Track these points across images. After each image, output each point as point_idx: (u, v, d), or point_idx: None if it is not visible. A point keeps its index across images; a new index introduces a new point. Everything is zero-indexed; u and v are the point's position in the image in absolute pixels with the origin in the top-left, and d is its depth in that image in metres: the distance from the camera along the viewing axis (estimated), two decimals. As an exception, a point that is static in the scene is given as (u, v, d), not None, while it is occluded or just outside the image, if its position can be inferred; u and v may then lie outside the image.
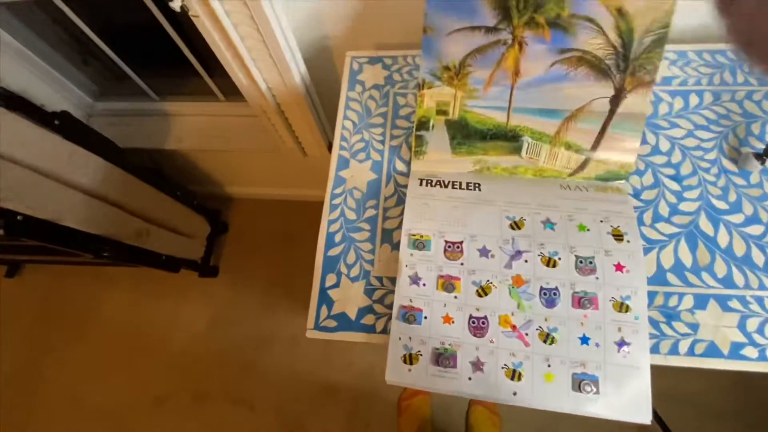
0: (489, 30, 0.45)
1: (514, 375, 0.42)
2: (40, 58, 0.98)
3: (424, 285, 0.46)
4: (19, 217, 0.73)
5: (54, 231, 0.81)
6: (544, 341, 0.43)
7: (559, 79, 0.46)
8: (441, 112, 0.51)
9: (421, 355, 0.44)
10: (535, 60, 0.46)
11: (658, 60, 0.43)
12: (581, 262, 0.44)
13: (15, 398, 1.33)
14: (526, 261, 0.45)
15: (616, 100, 0.46)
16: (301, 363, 1.25)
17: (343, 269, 0.50)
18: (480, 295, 0.45)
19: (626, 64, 0.44)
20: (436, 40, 0.47)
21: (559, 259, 0.45)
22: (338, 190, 0.55)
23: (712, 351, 0.42)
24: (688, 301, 0.44)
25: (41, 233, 0.79)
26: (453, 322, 0.44)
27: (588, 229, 0.46)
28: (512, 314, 0.44)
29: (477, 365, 0.43)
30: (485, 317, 0.44)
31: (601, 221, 0.46)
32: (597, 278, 0.43)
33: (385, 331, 0.47)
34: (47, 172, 0.79)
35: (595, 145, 0.49)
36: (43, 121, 0.82)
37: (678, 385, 1.02)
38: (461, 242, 0.47)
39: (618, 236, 0.45)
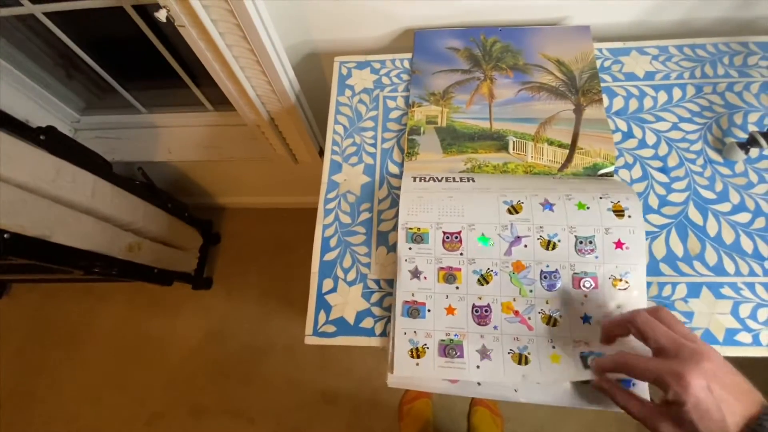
0: (465, 71, 0.60)
1: (521, 359, 0.42)
2: (24, 73, 0.97)
3: (425, 278, 0.46)
4: (6, 236, 0.72)
5: (43, 248, 0.80)
6: (547, 323, 0.43)
7: (527, 99, 0.57)
8: (430, 122, 0.57)
9: (427, 348, 0.44)
10: (505, 88, 0.58)
11: (598, 86, 0.56)
12: (581, 242, 0.44)
13: (8, 420, 1.30)
14: (525, 246, 0.45)
15: (578, 111, 0.55)
16: (300, 371, 1.24)
17: (340, 273, 0.50)
18: (481, 284, 0.45)
19: (576, 89, 0.56)
20: (423, 78, 0.60)
21: (559, 241, 0.44)
22: (332, 195, 0.55)
23: (708, 338, 0.43)
24: (681, 290, 0.45)
25: (30, 251, 0.78)
26: (456, 313, 0.44)
27: (588, 207, 0.45)
28: (514, 300, 0.44)
29: (483, 353, 0.43)
30: (488, 305, 0.44)
31: (601, 197, 0.45)
32: (597, 257, 0.43)
33: (385, 333, 0.46)
34: (34, 188, 0.78)
35: (575, 139, 0.53)
36: (28, 137, 0.81)
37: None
38: (459, 232, 0.46)
39: (619, 212, 0.44)
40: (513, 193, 0.47)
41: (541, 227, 0.45)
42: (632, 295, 0.42)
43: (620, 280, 0.43)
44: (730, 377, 0.30)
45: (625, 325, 0.36)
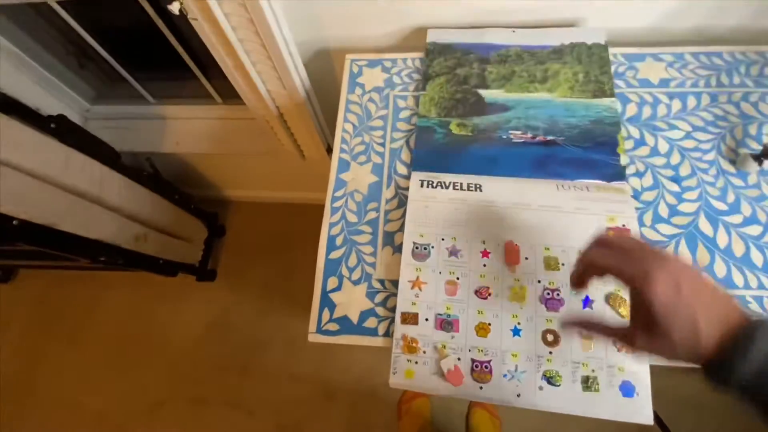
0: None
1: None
2: (36, 61, 0.98)
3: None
4: (15, 222, 0.73)
5: (50, 236, 0.81)
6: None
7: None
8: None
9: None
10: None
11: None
12: None
13: (10, 405, 1.31)
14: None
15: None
16: (300, 366, 1.24)
17: (345, 272, 0.50)
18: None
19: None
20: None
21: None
22: (339, 193, 0.55)
23: (714, 351, 0.42)
24: (689, 302, 0.44)
25: (38, 238, 0.78)
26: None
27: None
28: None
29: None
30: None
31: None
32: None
33: (388, 334, 0.46)
34: (43, 176, 0.78)
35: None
36: (39, 125, 0.81)
37: (678, 385, 1.02)
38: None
39: None
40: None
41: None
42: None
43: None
44: (702, 281, 0.28)
45: (594, 249, 0.33)
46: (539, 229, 0.47)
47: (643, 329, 0.29)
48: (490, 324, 0.44)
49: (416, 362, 0.44)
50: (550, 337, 0.43)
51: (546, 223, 0.47)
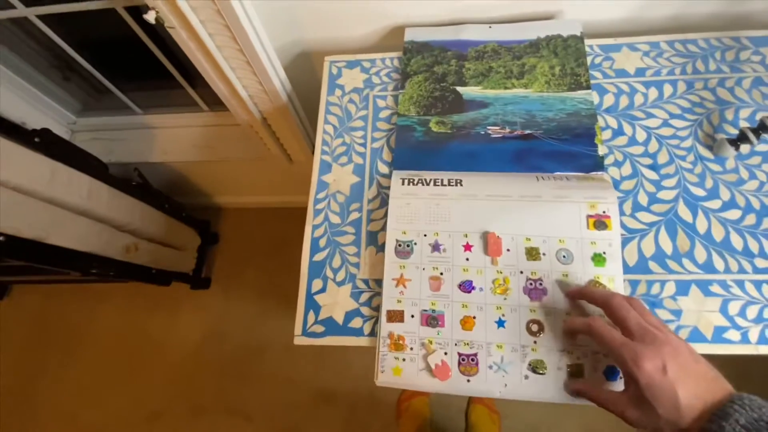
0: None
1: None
2: (19, 75, 0.97)
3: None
4: (1, 238, 0.73)
5: (39, 250, 0.80)
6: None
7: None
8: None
9: (412, 354, 0.44)
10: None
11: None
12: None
13: (9, 419, 1.31)
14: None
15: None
16: (297, 370, 1.24)
17: (329, 274, 0.50)
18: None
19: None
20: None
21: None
22: (321, 195, 0.55)
23: (696, 336, 0.43)
24: (670, 288, 0.45)
25: (26, 253, 0.78)
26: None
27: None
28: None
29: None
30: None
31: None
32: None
33: (373, 333, 0.46)
34: (29, 190, 0.78)
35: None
36: (23, 140, 0.81)
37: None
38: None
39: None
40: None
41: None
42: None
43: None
44: (692, 364, 0.31)
45: (600, 300, 0.38)
46: (520, 220, 0.47)
47: (632, 401, 0.33)
48: (474, 317, 0.44)
49: (403, 359, 0.44)
50: (534, 327, 0.43)
51: (526, 213, 0.47)
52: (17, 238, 0.75)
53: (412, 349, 0.44)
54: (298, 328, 0.48)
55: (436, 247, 0.47)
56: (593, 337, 0.36)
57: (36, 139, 0.83)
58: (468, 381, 0.43)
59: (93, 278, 1.00)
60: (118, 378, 1.32)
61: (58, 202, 0.84)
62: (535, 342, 0.43)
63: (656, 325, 0.34)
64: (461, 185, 0.50)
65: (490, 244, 0.46)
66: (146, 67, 0.93)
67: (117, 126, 1.12)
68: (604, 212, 0.46)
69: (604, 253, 0.44)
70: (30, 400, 1.33)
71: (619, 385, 0.40)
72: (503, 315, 0.44)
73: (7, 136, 0.78)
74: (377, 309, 0.47)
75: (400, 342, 0.45)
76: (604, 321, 0.37)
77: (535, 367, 0.42)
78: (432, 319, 0.45)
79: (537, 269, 0.45)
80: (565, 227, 0.46)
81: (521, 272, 0.45)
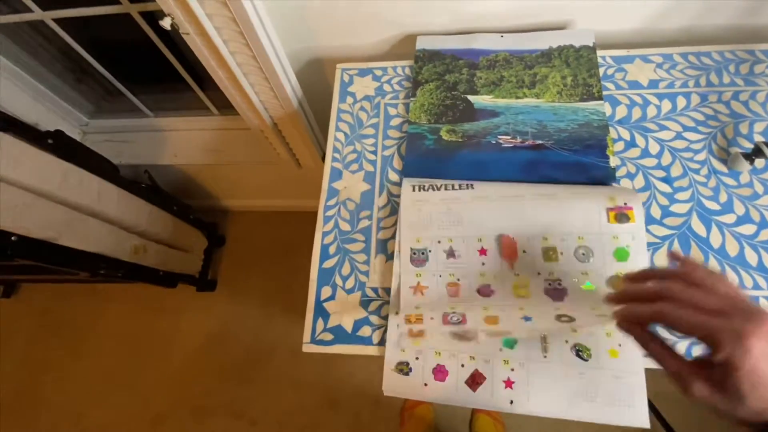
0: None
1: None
2: (33, 77, 0.99)
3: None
4: (13, 238, 0.73)
5: (50, 250, 0.81)
6: (543, 342, 0.42)
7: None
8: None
9: (418, 365, 0.44)
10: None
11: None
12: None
13: (14, 419, 1.32)
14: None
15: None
16: (302, 375, 1.24)
17: (339, 281, 0.50)
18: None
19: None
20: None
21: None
22: (331, 202, 0.55)
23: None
24: (683, 303, 0.44)
25: (37, 253, 0.79)
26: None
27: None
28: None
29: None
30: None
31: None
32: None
33: (382, 342, 0.46)
34: (42, 191, 0.79)
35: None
36: (36, 141, 0.82)
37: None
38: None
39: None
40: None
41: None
42: None
43: None
44: None
45: (680, 273, 0.30)
46: (534, 218, 0.45)
47: (709, 379, 0.27)
48: (498, 316, 0.43)
49: (404, 375, 0.44)
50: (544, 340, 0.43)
51: (541, 212, 0.45)
52: (28, 238, 0.76)
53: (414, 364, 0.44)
54: (306, 336, 0.48)
55: (450, 253, 0.47)
56: (670, 322, 0.28)
57: (49, 141, 0.84)
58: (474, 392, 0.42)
59: (101, 279, 1.01)
60: (123, 378, 1.32)
61: (69, 203, 0.85)
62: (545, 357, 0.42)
63: (743, 296, 0.28)
64: (472, 188, 0.49)
65: (504, 247, 0.45)
66: (158, 70, 0.94)
67: (128, 128, 1.13)
68: (625, 203, 0.44)
69: (628, 246, 0.43)
70: (35, 398, 1.34)
71: None
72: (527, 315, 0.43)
73: (20, 137, 0.79)
74: (386, 318, 0.47)
75: (418, 335, 0.44)
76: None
77: (579, 350, 0.41)
78: (454, 318, 0.44)
79: (554, 270, 0.44)
80: (583, 223, 0.44)
81: (539, 273, 0.44)
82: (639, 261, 0.43)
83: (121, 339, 1.38)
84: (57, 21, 0.82)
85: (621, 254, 0.43)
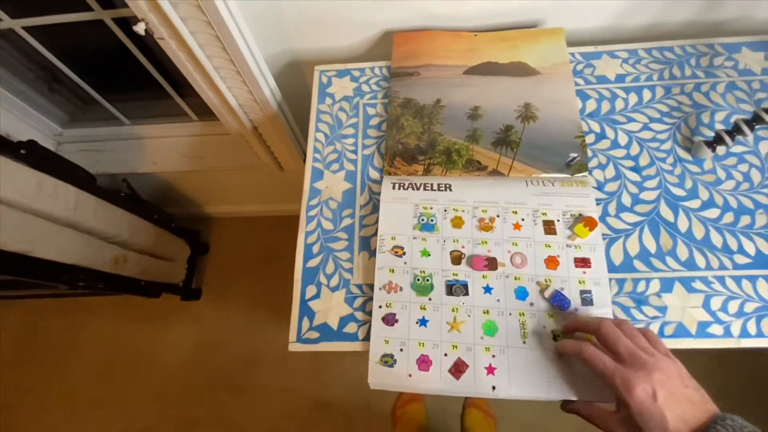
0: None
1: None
2: (4, 87, 0.96)
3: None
4: (-14, 252, 0.71)
5: (25, 263, 0.79)
6: (521, 328, 0.44)
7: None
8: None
9: (401, 356, 0.44)
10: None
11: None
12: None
13: (-8, 442, 1.27)
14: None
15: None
16: (291, 380, 1.23)
17: (323, 280, 0.51)
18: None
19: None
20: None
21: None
22: (314, 202, 0.55)
23: (681, 331, 0.44)
24: (654, 286, 0.46)
25: (12, 266, 0.77)
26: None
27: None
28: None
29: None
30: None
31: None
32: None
33: (368, 338, 0.47)
34: (15, 203, 0.77)
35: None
36: (9, 152, 0.80)
37: (662, 371, 1.05)
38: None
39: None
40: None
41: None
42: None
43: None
44: (680, 388, 0.33)
45: (591, 328, 0.39)
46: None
47: (623, 422, 0.34)
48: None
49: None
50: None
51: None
52: (2, 251, 0.74)
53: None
54: (292, 335, 0.48)
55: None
56: (585, 363, 0.37)
57: (22, 151, 0.82)
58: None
59: (80, 291, 0.98)
60: (107, 394, 1.29)
61: (44, 214, 0.83)
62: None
63: (646, 348, 0.35)
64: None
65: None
66: (133, 77, 0.93)
67: (104, 137, 1.11)
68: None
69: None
70: (16, 419, 1.29)
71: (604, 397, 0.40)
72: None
73: (-8, 148, 0.77)
74: (371, 313, 0.48)
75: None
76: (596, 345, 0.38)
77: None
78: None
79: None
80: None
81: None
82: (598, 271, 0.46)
83: (104, 353, 1.35)
84: (27, 29, 0.81)
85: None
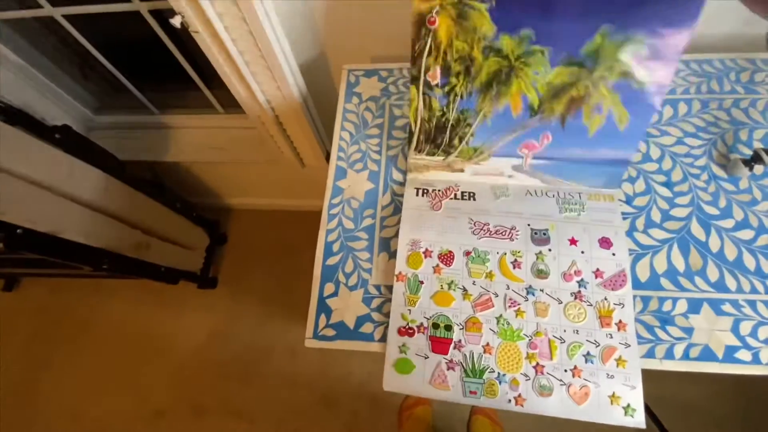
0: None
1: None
2: (41, 72, 1.00)
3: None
4: (19, 231, 0.74)
5: (54, 244, 0.82)
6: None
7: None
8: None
9: (419, 364, 0.44)
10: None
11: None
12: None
13: (13, 414, 1.32)
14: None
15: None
16: (301, 374, 1.24)
17: (342, 278, 0.51)
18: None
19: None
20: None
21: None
22: (336, 200, 0.56)
23: (707, 355, 0.43)
24: (681, 306, 0.45)
25: (41, 246, 0.79)
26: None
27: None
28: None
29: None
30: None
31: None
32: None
33: (384, 339, 0.47)
34: (47, 185, 0.80)
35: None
36: (43, 135, 0.83)
37: (679, 392, 1.02)
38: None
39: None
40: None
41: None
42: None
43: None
44: None
45: None
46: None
47: None
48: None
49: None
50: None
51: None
52: (33, 231, 0.77)
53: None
54: (309, 331, 0.48)
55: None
56: None
57: (56, 135, 0.84)
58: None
59: (103, 274, 1.01)
60: (122, 375, 1.33)
61: (74, 197, 0.86)
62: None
63: None
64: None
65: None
66: (164, 68, 0.95)
67: (134, 125, 1.14)
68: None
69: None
70: (34, 394, 1.34)
71: None
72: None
73: (28, 131, 0.80)
74: (388, 315, 0.48)
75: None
76: None
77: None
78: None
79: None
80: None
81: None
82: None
83: (121, 335, 1.38)
84: (66, 17, 0.83)
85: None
